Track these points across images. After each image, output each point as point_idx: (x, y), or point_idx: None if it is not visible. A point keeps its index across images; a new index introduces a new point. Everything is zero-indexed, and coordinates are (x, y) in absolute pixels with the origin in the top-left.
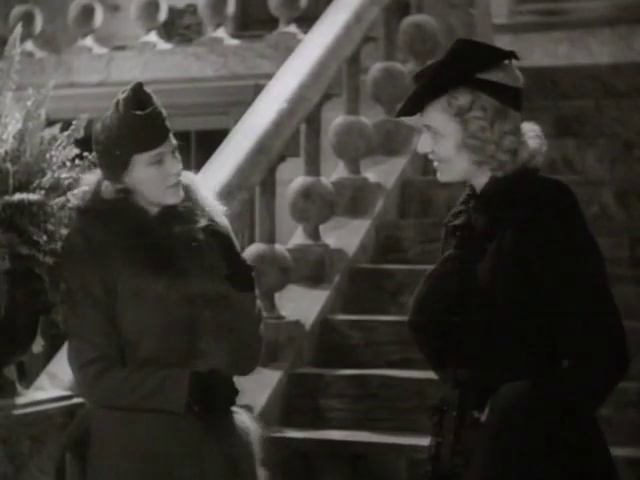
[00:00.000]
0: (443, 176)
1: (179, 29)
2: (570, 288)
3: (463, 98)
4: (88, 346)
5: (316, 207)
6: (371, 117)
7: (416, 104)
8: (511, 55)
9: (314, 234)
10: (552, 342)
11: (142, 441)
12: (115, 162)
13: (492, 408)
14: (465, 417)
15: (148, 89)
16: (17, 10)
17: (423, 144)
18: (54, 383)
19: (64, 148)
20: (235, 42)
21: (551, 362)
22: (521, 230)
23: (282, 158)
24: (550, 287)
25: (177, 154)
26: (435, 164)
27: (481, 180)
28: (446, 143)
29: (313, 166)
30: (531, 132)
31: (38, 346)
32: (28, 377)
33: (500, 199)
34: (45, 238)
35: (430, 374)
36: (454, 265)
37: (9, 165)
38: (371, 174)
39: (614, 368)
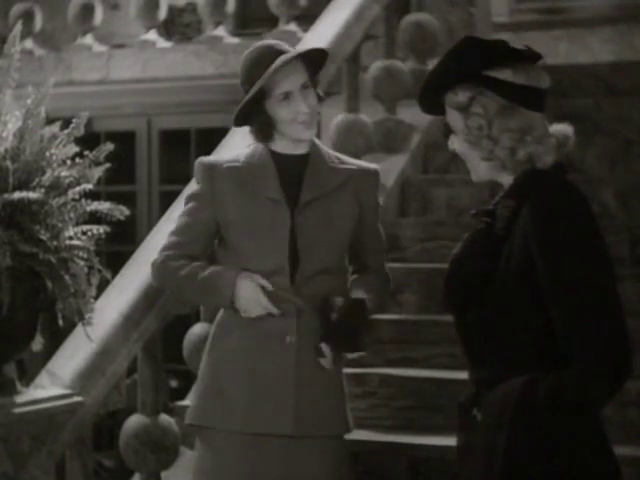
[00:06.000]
0: (472, 175)
1: (179, 27)
2: (568, 289)
3: (462, 94)
4: None
5: None
6: (371, 115)
7: (426, 100)
8: (532, 56)
9: None
10: (556, 343)
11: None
12: None
13: (484, 406)
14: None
15: None
16: (17, 8)
17: (450, 141)
18: (54, 381)
19: (64, 146)
20: (235, 40)
21: (554, 363)
22: (526, 231)
23: None
24: (549, 288)
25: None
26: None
27: (508, 182)
28: (459, 139)
29: None
30: (559, 134)
31: (38, 344)
32: (28, 375)
33: (511, 202)
34: (48, 235)
35: (430, 373)
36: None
37: (9, 163)
38: None
39: (611, 371)
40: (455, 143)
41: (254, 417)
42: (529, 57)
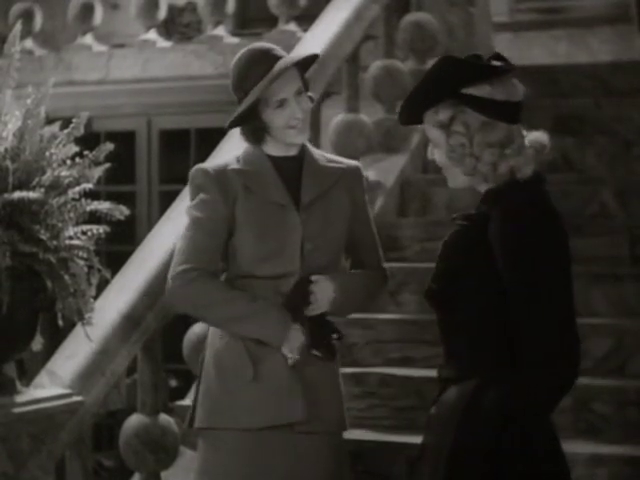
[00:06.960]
0: (449, 182)
1: (179, 27)
2: (522, 294)
3: (443, 113)
4: None
5: None
6: (371, 115)
7: (406, 117)
8: (502, 70)
9: None
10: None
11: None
12: None
13: (439, 405)
14: None
15: None
16: (17, 8)
17: (429, 151)
18: (54, 381)
19: (64, 146)
20: (235, 40)
21: (517, 365)
22: (493, 235)
23: None
24: (508, 290)
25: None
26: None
27: (485, 188)
28: (440, 153)
29: None
30: (536, 143)
31: (38, 344)
32: (28, 375)
33: (485, 207)
34: (48, 235)
35: (429, 372)
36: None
37: (9, 163)
38: (371, 172)
39: (559, 375)
40: (435, 154)
41: (263, 411)
42: (505, 70)
